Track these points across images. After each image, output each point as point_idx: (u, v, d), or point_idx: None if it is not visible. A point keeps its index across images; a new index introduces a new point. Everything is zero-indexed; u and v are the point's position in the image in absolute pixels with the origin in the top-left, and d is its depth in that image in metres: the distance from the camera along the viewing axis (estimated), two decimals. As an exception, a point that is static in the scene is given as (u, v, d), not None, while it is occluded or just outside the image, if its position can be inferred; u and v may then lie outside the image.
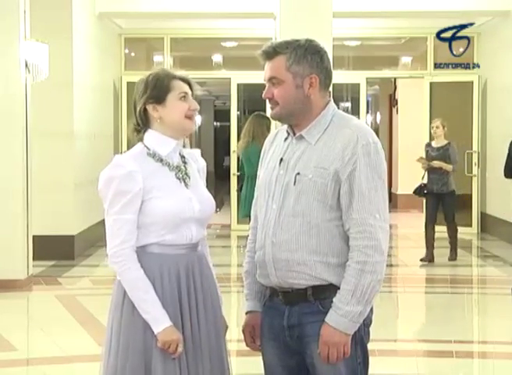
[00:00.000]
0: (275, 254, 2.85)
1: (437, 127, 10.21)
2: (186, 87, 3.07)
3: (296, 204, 2.83)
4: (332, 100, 2.95)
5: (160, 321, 2.93)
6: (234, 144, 13.07)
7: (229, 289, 8.16)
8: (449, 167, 9.97)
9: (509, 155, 9.66)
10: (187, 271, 3.04)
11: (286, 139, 2.96)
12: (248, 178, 8.54)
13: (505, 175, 9.74)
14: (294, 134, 2.92)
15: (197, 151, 3.24)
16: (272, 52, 2.87)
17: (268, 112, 3.00)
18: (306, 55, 2.86)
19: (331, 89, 2.99)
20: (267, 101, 2.93)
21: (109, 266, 3.02)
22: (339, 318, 2.76)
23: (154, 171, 3.03)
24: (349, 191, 2.78)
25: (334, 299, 2.78)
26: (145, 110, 3.05)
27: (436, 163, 10.00)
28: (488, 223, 12.69)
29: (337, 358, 2.78)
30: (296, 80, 2.85)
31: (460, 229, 10.39)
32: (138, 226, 2.98)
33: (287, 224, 2.84)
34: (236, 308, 7.65)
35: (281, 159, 2.90)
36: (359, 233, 2.77)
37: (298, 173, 2.83)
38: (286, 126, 2.98)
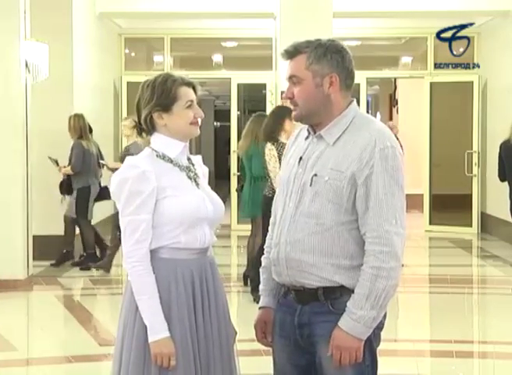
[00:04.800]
0: (288, 253, 2.84)
1: None
2: (192, 94, 3.07)
3: (312, 205, 2.81)
4: (354, 101, 2.93)
5: (156, 330, 2.92)
6: (234, 144, 13.04)
7: (230, 289, 8.15)
8: None
9: (500, 158, 9.64)
10: (201, 276, 3.04)
11: (307, 138, 2.94)
12: (250, 179, 8.49)
13: (500, 179, 9.72)
14: (315, 133, 2.90)
15: (199, 158, 3.23)
16: (293, 51, 2.87)
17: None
18: (326, 54, 2.86)
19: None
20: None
21: (123, 266, 3.02)
22: (353, 322, 2.74)
23: (167, 170, 3.03)
24: (365, 196, 2.76)
25: (348, 303, 2.76)
26: (150, 116, 3.05)
27: None
28: (488, 223, 12.67)
29: (349, 362, 2.76)
30: (316, 79, 2.84)
31: (460, 229, 10.36)
32: (152, 227, 2.97)
33: (301, 224, 2.82)
34: (236, 309, 7.66)
35: (300, 158, 2.89)
36: (374, 238, 2.75)
37: (315, 175, 2.82)
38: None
